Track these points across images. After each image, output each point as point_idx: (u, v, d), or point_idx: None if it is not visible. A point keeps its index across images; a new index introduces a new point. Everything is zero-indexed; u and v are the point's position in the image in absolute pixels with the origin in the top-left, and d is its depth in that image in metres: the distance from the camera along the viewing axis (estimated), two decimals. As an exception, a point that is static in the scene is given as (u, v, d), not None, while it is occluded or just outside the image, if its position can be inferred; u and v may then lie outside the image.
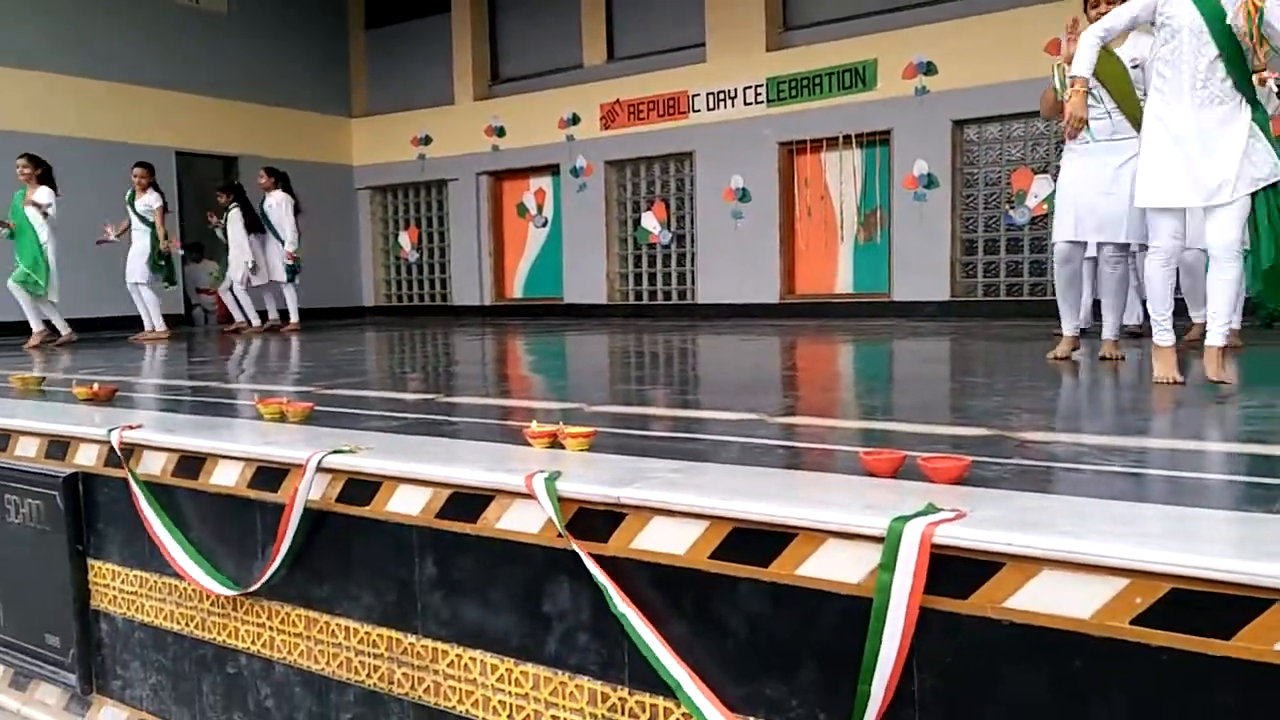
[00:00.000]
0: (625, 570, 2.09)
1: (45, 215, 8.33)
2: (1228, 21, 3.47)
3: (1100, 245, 4.67)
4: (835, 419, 3.42)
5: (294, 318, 10.36)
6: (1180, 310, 4.45)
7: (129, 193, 9.29)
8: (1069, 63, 4.01)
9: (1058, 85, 4.41)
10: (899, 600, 1.68)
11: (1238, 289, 3.72)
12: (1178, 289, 4.39)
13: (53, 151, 9.11)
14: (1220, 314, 3.69)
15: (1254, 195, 3.55)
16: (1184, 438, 2.76)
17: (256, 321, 10.15)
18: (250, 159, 12.19)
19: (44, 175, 8.54)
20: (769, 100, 10.69)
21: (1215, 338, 3.68)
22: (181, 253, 9.38)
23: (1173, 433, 2.90)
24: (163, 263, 9.26)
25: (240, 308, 10.25)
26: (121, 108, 11.35)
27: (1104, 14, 3.83)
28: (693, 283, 11.57)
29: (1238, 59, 3.50)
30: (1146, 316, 4.42)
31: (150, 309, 9.28)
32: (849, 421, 3.34)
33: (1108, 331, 4.72)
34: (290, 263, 10.15)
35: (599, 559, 2.09)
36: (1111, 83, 4.30)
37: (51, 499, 3.25)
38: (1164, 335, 3.82)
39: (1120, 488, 2.14)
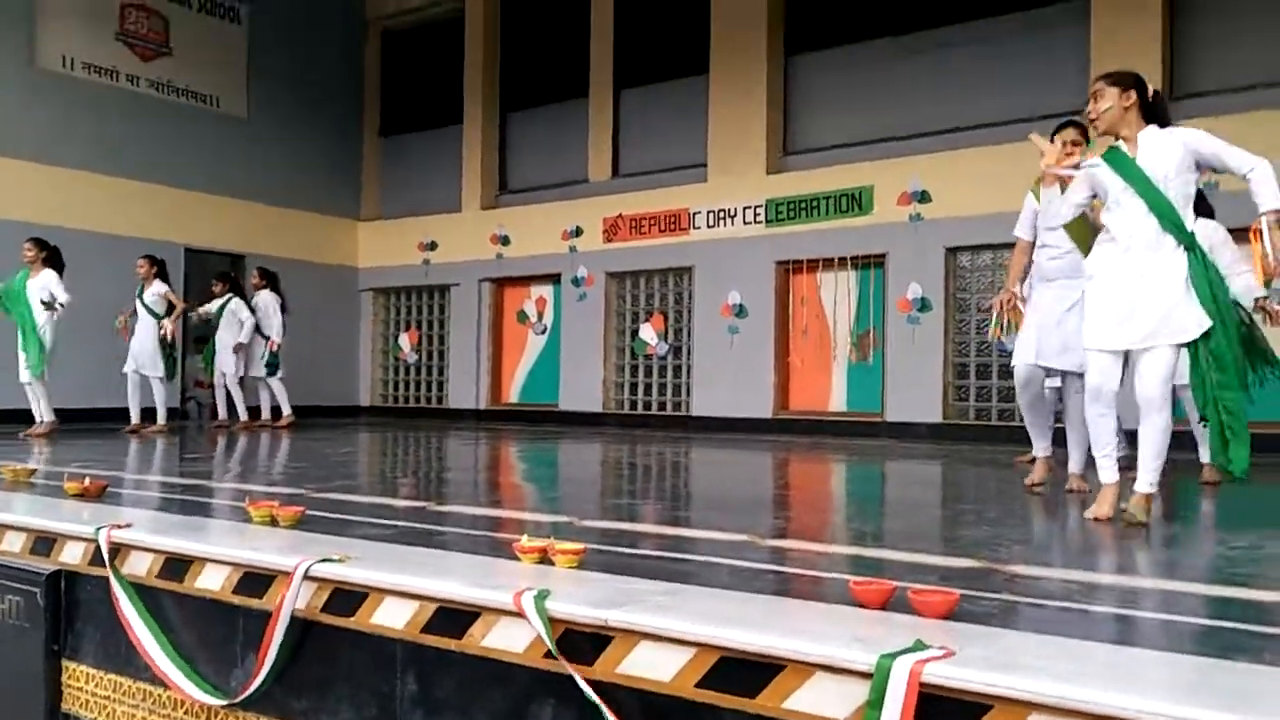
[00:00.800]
0: (611, 694, 2.06)
1: (53, 307, 8.39)
2: (1154, 184, 3.63)
3: (1064, 376, 4.75)
4: (826, 543, 3.42)
5: (286, 411, 10.37)
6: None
7: (139, 286, 9.43)
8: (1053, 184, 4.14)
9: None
10: (886, 739, 1.66)
11: (1165, 440, 3.71)
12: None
13: (64, 244, 9.27)
14: (1145, 461, 3.68)
15: (1192, 350, 3.60)
16: (1175, 578, 2.75)
17: (245, 417, 10.12)
18: (257, 257, 12.37)
19: (50, 259, 8.62)
20: (768, 220, 10.95)
21: (1142, 484, 3.67)
22: (173, 349, 9.41)
23: (1165, 573, 2.90)
24: (170, 350, 9.34)
25: (230, 402, 10.24)
26: (134, 204, 11.58)
27: (1068, 151, 3.97)
28: (688, 395, 11.64)
29: (1169, 212, 3.63)
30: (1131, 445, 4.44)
31: (159, 402, 9.28)
32: (839, 546, 3.33)
33: (1073, 465, 4.72)
34: (271, 354, 10.21)
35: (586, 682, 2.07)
36: (1071, 229, 4.48)
37: (33, 596, 3.21)
38: (1106, 473, 3.83)
39: (1111, 629, 2.13)
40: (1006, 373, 9.65)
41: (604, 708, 2.01)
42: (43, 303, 8.38)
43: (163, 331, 9.24)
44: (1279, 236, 3.52)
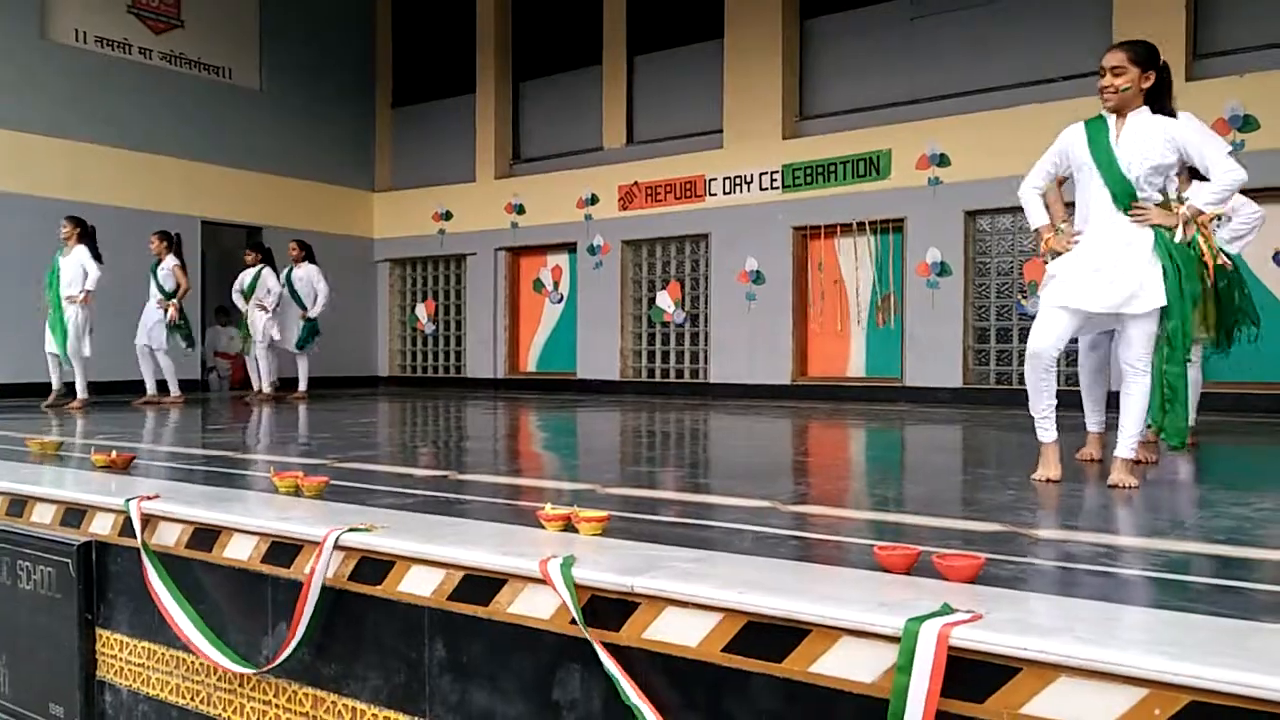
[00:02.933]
0: (637, 660, 2.08)
1: (85, 294, 8.56)
2: (1119, 167, 3.64)
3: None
4: (848, 509, 3.42)
5: (302, 386, 10.45)
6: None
7: (154, 261, 9.49)
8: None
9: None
10: (916, 702, 1.67)
11: (1145, 404, 3.73)
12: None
13: (80, 215, 9.33)
14: (1125, 427, 3.74)
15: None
16: (1199, 540, 2.74)
17: (267, 389, 10.19)
18: (273, 229, 12.43)
19: (82, 236, 8.78)
20: (784, 186, 10.87)
21: (1121, 449, 3.74)
22: (182, 324, 9.49)
23: (1190, 535, 2.88)
24: (181, 323, 9.41)
25: (259, 372, 10.31)
26: (148, 177, 11.62)
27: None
28: (705, 362, 11.63)
29: (1127, 195, 3.64)
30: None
31: (167, 375, 9.40)
32: (862, 512, 3.34)
33: (1093, 426, 4.60)
34: (308, 324, 10.29)
35: (611, 648, 2.09)
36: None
37: (64, 567, 3.26)
38: (1046, 433, 3.86)
39: (1136, 592, 2.13)
40: (1026, 336, 9.60)
41: (621, 679, 2.02)
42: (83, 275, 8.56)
43: (169, 314, 9.29)
44: (1189, 230, 3.64)
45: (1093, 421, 4.62)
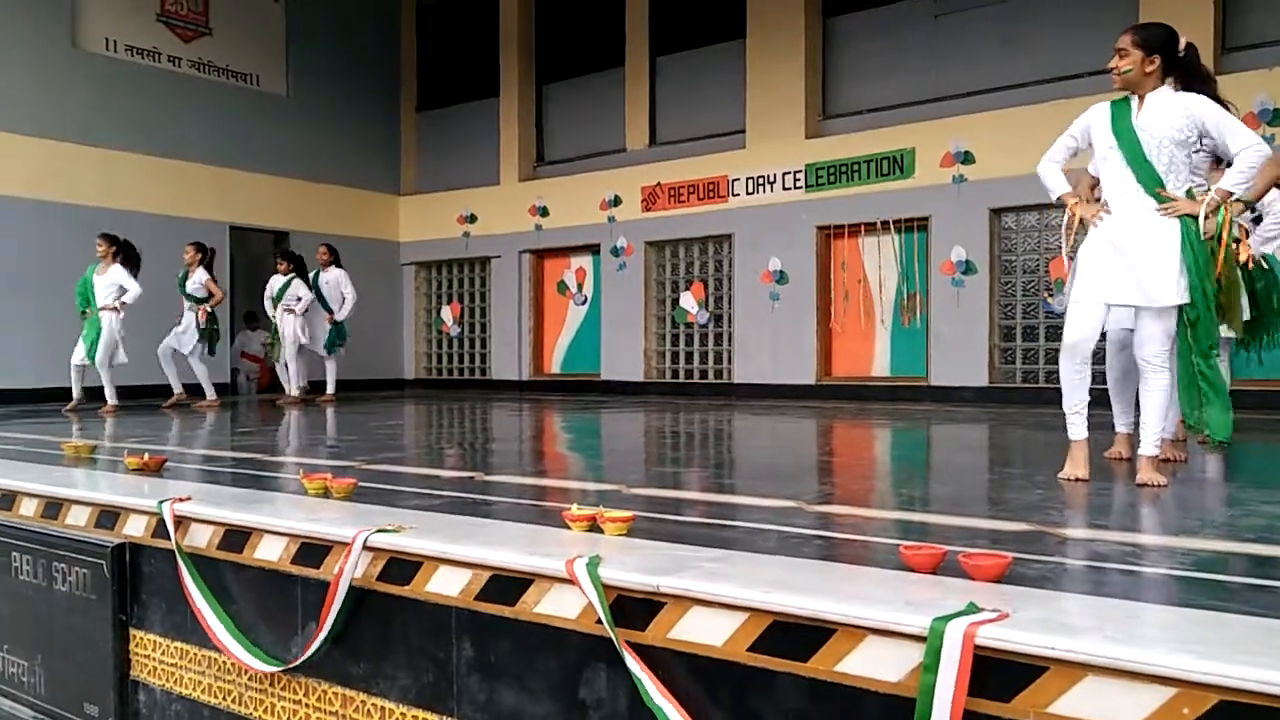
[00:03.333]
0: (662, 660, 2.09)
1: (120, 304, 8.74)
2: (1142, 147, 3.61)
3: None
4: (873, 509, 3.41)
5: (330, 389, 10.54)
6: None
7: (182, 273, 9.61)
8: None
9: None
10: (942, 702, 1.67)
11: (1166, 400, 3.71)
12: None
13: (111, 224, 9.48)
14: (1149, 424, 3.71)
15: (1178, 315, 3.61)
16: (1228, 539, 2.72)
17: (296, 393, 10.30)
18: (300, 234, 12.54)
19: (119, 254, 8.93)
20: (807, 186, 10.85)
21: (1146, 447, 3.70)
22: (209, 327, 9.66)
23: (1218, 534, 2.85)
24: (210, 327, 9.55)
25: (288, 377, 10.42)
26: (177, 183, 11.76)
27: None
28: (729, 362, 11.62)
29: (1151, 177, 3.61)
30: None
31: (201, 379, 9.54)
32: (887, 512, 3.33)
33: (1121, 426, 4.54)
34: (336, 329, 10.39)
35: (637, 647, 2.10)
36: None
37: (99, 568, 3.32)
38: (1077, 430, 3.82)
39: (1165, 591, 2.12)
40: (1054, 335, 9.53)
41: (645, 679, 2.03)
42: (118, 299, 8.78)
43: (197, 314, 9.44)
44: (1213, 219, 3.58)
45: (1121, 422, 4.57)
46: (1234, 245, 3.89)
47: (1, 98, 10.40)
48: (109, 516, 3.41)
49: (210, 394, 9.59)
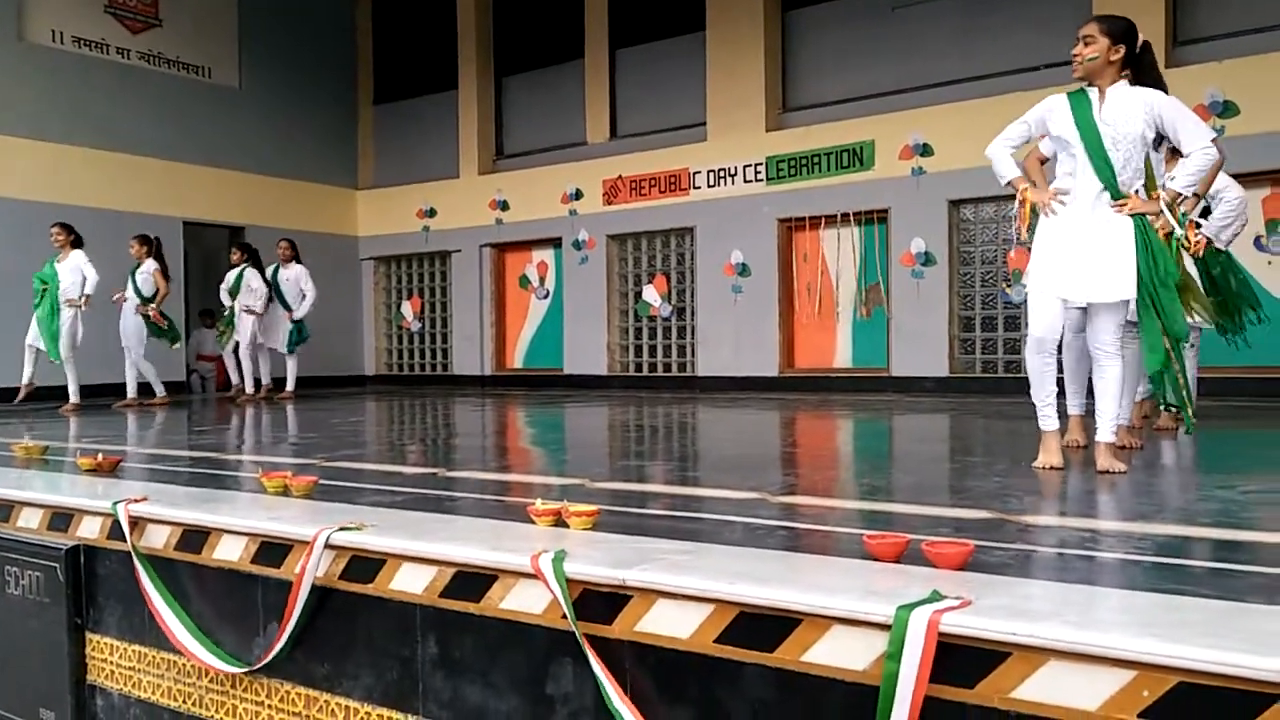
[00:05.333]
0: (629, 654, 2.08)
1: (86, 298, 8.64)
2: (1104, 141, 3.65)
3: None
4: (836, 499, 3.43)
5: (290, 386, 10.39)
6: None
7: (133, 266, 9.41)
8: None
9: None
10: (905, 689, 1.68)
11: (1119, 387, 3.79)
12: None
13: (64, 220, 9.23)
14: (1104, 411, 3.77)
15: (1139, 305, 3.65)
16: (1185, 524, 2.77)
17: (251, 389, 10.14)
18: (256, 229, 12.34)
19: (75, 241, 8.87)
20: (768, 178, 10.88)
21: (1103, 434, 3.76)
22: (170, 325, 9.49)
23: (1176, 519, 2.91)
24: (166, 325, 9.37)
25: (240, 371, 10.26)
26: (129, 178, 11.52)
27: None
28: (693, 355, 11.64)
29: (1108, 173, 3.65)
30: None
31: (149, 377, 9.32)
32: (850, 502, 3.35)
33: (1073, 409, 4.55)
34: (297, 326, 10.24)
35: (603, 641, 2.09)
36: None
37: (52, 571, 3.24)
38: (1047, 421, 3.86)
39: (1125, 575, 2.15)
40: (1013, 325, 9.66)
41: (608, 684, 2.02)
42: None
43: (150, 318, 9.23)
44: (1166, 217, 3.66)
45: (1074, 404, 4.58)
46: (1182, 239, 3.97)
47: (-56, 91, 10.13)
48: (62, 518, 3.33)
49: (160, 391, 9.41)
